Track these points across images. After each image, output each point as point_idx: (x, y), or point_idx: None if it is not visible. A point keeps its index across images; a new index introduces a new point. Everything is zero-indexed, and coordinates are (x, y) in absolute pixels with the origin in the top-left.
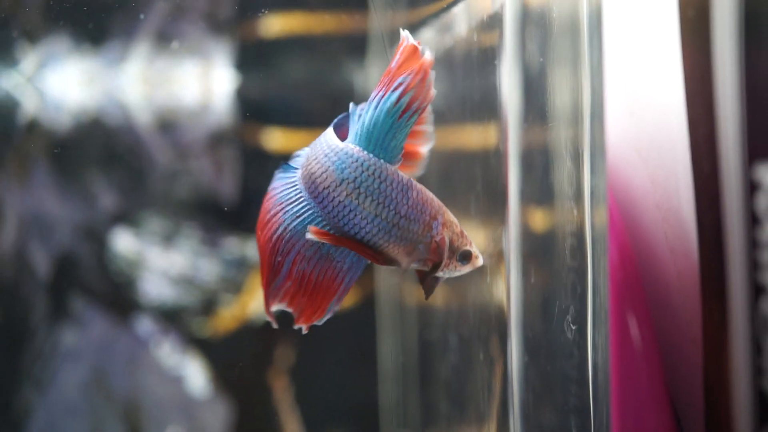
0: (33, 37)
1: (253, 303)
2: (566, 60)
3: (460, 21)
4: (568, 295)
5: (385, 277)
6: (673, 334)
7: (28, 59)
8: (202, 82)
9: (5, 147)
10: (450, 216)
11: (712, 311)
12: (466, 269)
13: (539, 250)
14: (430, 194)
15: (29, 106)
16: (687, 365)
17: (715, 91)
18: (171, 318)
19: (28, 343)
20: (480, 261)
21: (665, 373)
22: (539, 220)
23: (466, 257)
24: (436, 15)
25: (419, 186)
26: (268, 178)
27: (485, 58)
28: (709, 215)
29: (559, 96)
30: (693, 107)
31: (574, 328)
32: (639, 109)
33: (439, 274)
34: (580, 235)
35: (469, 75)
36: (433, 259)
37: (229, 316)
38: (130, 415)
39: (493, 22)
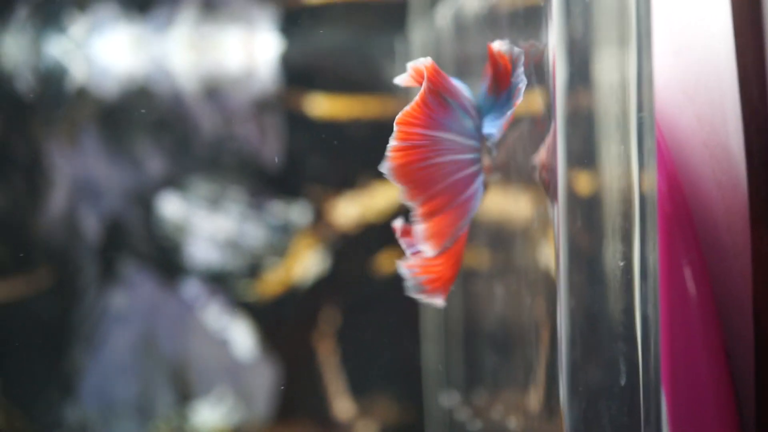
0: (81, 3)
1: (298, 266)
2: (612, 19)
3: None
4: (617, 251)
5: None
6: (721, 270)
7: (77, 26)
8: (246, 48)
9: (55, 113)
10: None
11: (761, 242)
12: None
13: (587, 209)
14: None
15: (78, 72)
16: (735, 300)
17: (764, 18)
18: (217, 281)
19: (79, 305)
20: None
21: (718, 317)
22: (586, 180)
23: None
24: None
25: None
26: (311, 143)
27: (531, 17)
28: (757, 143)
29: (606, 58)
30: (741, 35)
31: (622, 277)
32: (685, 48)
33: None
34: (628, 197)
35: (514, 35)
36: None
37: (274, 279)
38: (178, 377)
39: None
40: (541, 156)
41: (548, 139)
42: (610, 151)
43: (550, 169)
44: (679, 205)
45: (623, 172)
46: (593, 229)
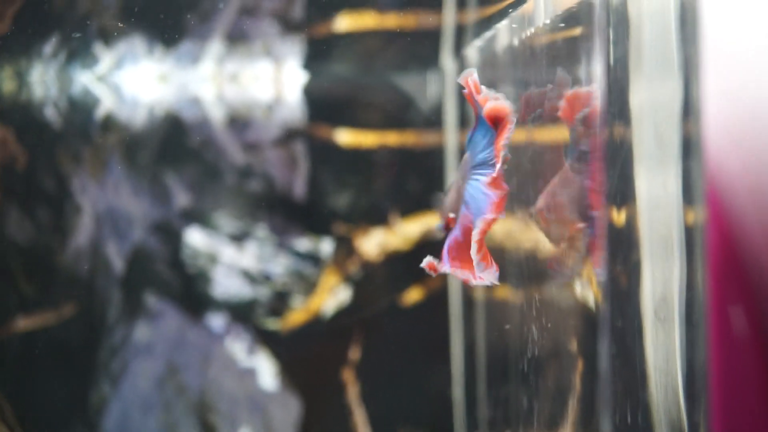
0: (110, 34)
1: (325, 299)
2: (651, 56)
3: (540, 13)
4: (658, 291)
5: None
6: None
7: (106, 57)
8: (273, 80)
9: (83, 143)
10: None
11: None
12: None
13: (625, 245)
14: None
15: (106, 103)
16: None
17: None
18: (243, 314)
19: (104, 336)
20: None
21: None
22: (624, 215)
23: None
24: (513, 6)
25: None
26: (338, 175)
27: (566, 52)
28: None
29: (642, 93)
30: None
31: (662, 323)
32: (731, 89)
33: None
34: (665, 234)
35: (549, 68)
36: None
37: (301, 312)
38: (203, 411)
39: (577, 14)
40: (540, 201)
41: (554, 180)
42: (650, 185)
43: (551, 209)
44: (732, 265)
45: (665, 206)
46: (631, 268)
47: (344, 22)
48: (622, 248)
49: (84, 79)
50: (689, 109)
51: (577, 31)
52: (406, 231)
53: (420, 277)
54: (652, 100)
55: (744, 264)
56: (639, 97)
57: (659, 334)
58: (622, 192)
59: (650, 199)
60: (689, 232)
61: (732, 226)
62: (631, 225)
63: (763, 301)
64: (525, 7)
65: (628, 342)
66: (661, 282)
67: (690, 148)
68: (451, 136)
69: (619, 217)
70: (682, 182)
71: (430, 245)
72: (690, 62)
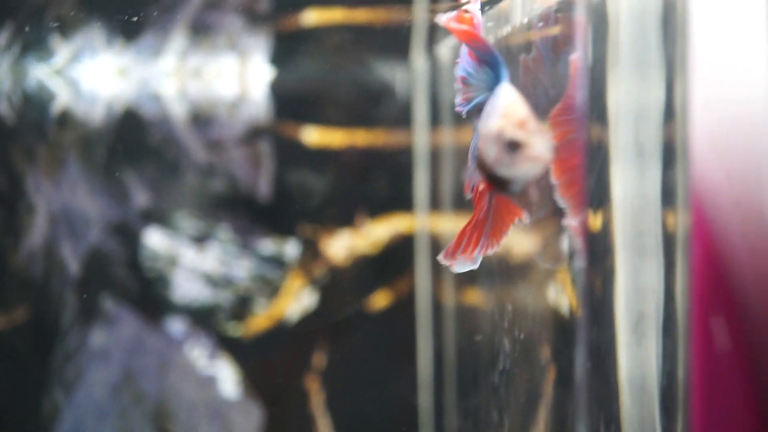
0: (67, 28)
1: (289, 304)
2: (630, 57)
3: (517, 11)
4: (638, 299)
5: (423, 277)
6: (754, 341)
7: (63, 49)
8: (237, 76)
9: (37, 140)
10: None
11: None
12: (520, 163)
13: (603, 251)
14: None
15: (62, 97)
16: None
17: None
18: (204, 319)
19: (58, 342)
20: (536, 150)
21: (755, 383)
22: (600, 219)
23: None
24: (489, 4)
25: None
26: (304, 175)
27: (543, 53)
28: None
29: (620, 96)
30: None
31: (641, 333)
32: (715, 100)
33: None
34: (641, 242)
35: (526, 70)
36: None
37: (264, 317)
38: (160, 420)
39: (556, 13)
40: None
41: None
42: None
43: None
44: (715, 277)
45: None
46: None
47: (312, 17)
48: (598, 253)
49: (39, 72)
50: (671, 113)
51: (556, 30)
52: (374, 233)
53: (387, 281)
54: (631, 102)
55: (727, 276)
56: (618, 99)
57: (635, 344)
58: (599, 196)
59: (627, 204)
60: (668, 240)
61: (715, 238)
62: (607, 230)
63: (745, 313)
64: (501, 5)
65: (602, 352)
66: (638, 291)
67: (671, 153)
68: (421, 136)
69: (595, 221)
70: (661, 188)
71: (398, 248)
72: (674, 64)
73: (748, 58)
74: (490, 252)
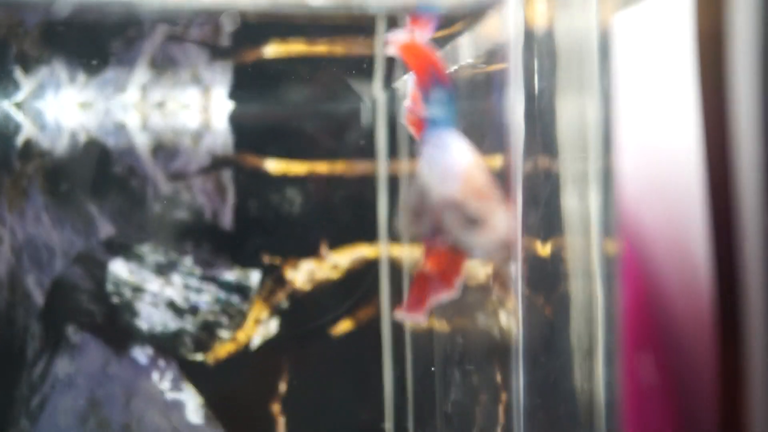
0: (31, 60)
1: (253, 331)
2: (574, 88)
3: (466, 49)
4: (578, 329)
5: (386, 303)
6: (686, 377)
7: (26, 84)
8: (200, 108)
9: (1, 171)
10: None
11: (726, 356)
12: (480, 236)
13: (546, 281)
14: None
15: (26, 129)
16: (701, 409)
17: (733, 132)
18: (169, 346)
19: (23, 371)
20: (497, 230)
21: (680, 417)
22: (546, 250)
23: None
24: (441, 43)
25: None
26: (266, 205)
27: (490, 87)
28: (725, 260)
29: (566, 125)
30: (709, 148)
31: (582, 363)
32: (654, 145)
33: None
34: (588, 268)
35: (474, 104)
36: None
37: (228, 344)
38: None
39: (499, 50)
40: None
41: None
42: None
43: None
44: (645, 312)
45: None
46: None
47: (273, 50)
48: (547, 280)
49: (3, 105)
50: (609, 141)
51: (498, 67)
52: (337, 262)
53: (350, 307)
54: (576, 129)
55: (656, 312)
56: (565, 127)
57: (585, 370)
58: (548, 223)
59: (575, 231)
60: (609, 267)
61: (646, 272)
62: (556, 257)
63: (672, 349)
64: (454, 43)
65: (551, 377)
66: (585, 318)
67: (609, 181)
68: (382, 166)
69: (544, 249)
70: (601, 215)
71: (360, 276)
72: (609, 92)
73: (680, 104)
74: (445, 299)
